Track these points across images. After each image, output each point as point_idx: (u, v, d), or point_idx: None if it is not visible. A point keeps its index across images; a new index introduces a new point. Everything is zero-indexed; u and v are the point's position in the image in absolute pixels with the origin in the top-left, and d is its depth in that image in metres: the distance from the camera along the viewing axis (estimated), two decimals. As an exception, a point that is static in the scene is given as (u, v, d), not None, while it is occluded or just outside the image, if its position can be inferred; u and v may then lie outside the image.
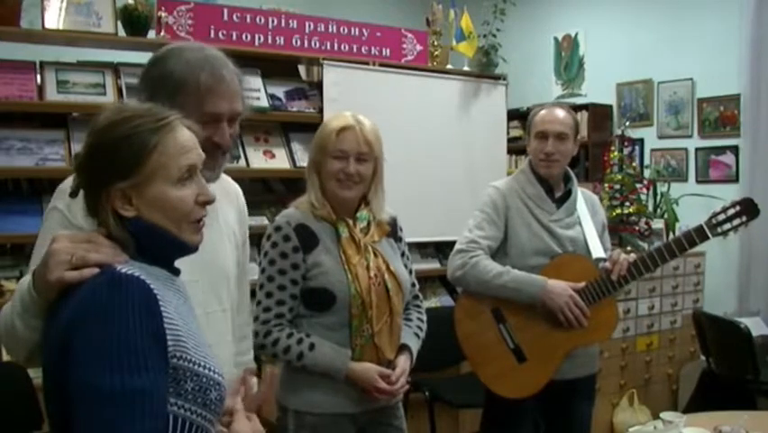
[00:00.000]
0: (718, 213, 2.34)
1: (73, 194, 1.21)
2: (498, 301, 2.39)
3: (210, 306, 1.57)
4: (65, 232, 1.24)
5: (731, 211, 2.33)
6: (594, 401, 2.59)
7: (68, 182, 1.42)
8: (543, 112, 2.46)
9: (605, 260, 2.40)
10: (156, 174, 1.15)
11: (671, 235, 4.26)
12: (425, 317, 2.17)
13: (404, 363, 2.00)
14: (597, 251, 2.41)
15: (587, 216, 2.48)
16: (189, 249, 1.23)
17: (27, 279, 1.21)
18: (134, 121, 1.15)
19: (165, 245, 1.19)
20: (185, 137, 1.19)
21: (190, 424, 1.12)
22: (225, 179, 1.75)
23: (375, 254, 1.98)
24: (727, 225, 2.33)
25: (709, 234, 2.32)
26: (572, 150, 2.47)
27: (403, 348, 2.03)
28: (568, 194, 2.49)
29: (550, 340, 2.35)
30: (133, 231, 1.16)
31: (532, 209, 2.43)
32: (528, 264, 2.37)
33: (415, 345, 2.07)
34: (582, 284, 2.34)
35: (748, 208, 2.33)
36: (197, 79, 1.47)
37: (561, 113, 2.45)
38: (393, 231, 2.11)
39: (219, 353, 1.53)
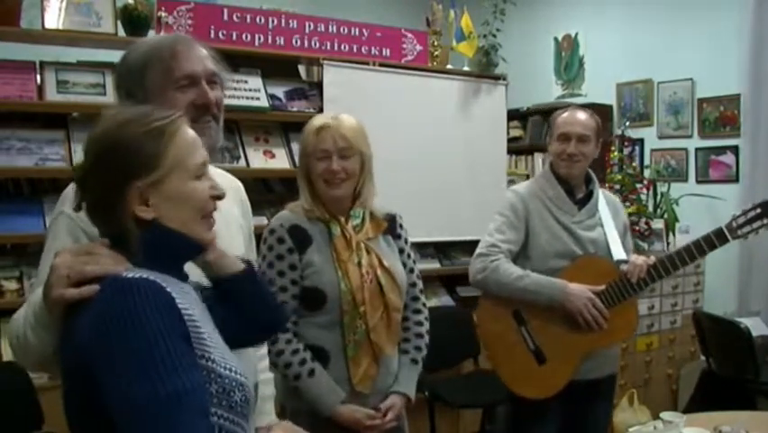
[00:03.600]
0: (739, 216, 2.33)
1: (77, 208, 1.18)
2: (518, 303, 2.41)
3: None
4: (68, 246, 1.21)
5: (751, 214, 2.32)
6: (613, 402, 2.63)
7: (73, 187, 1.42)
8: (565, 114, 2.48)
9: (626, 262, 2.39)
10: (174, 169, 1.14)
11: (670, 235, 4.27)
12: (425, 326, 2.14)
13: (394, 402, 2.01)
14: (618, 253, 2.41)
15: (608, 218, 2.48)
16: (203, 247, 1.22)
17: (40, 291, 1.19)
18: (146, 118, 1.14)
19: (180, 248, 1.18)
20: (191, 133, 1.19)
21: (218, 428, 1.08)
22: (226, 175, 1.75)
23: (368, 252, 1.99)
24: (747, 228, 2.31)
25: (729, 238, 2.32)
26: (594, 152, 2.48)
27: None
28: (589, 196, 2.50)
29: (569, 342, 2.37)
30: (151, 239, 1.13)
31: (553, 211, 2.44)
32: (549, 267, 2.39)
33: (413, 380, 2.08)
34: (602, 287, 2.35)
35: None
36: (160, 50, 1.47)
37: (582, 115, 2.46)
38: (392, 228, 2.10)
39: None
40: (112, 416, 1.01)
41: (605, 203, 2.52)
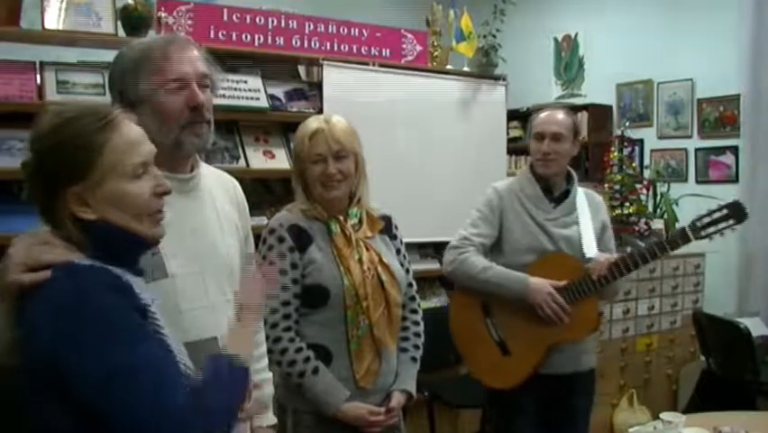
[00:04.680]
0: (704, 216, 2.34)
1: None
2: (486, 296, 2.46)
3: (213, 297, 1.55)
4: (26, 234, 1.24)
5: (717, 215, 2.32)
6: (592, 398, 2.62)
7: None
8: (542, 114, 2.54)
9: None
10: (109, 173, 1.14)
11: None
12: (421, 326, 2.17)
13: (397, 399, 2.04)
14: (590, 250, 2.43)
15: (586, 216, 2.50)
16: (150, 243, 1.22)
17: None
18: (78, 122, 1.14)
19: (128, 245, 1.19)
20: (132, 132, 1.18)
21: None
22: (221, 174, 1.75)
23: (367, 248, 2.01)
24: (712, 229, 2.32)
25: (692, 238, 2.33)
26: (571, 150, 2.51)
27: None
28: (566, 194, 2.52)
29: (532, 334, 2.42)
30: (96, 234, 1.15)
31: (528, 208, 2.49)
32: (522, 262, 2.43)
33: (413, 378, 2.10)
34: (564, 282, 2.39)
35: (736, 212, 2.31)
36: (153, 51, 1.49)
37: (558, 114, 2.51)
38: (387, 229, 2.13)
39: None
40: (72, 394, 1.05)
41: (586, 202, 2.54)
